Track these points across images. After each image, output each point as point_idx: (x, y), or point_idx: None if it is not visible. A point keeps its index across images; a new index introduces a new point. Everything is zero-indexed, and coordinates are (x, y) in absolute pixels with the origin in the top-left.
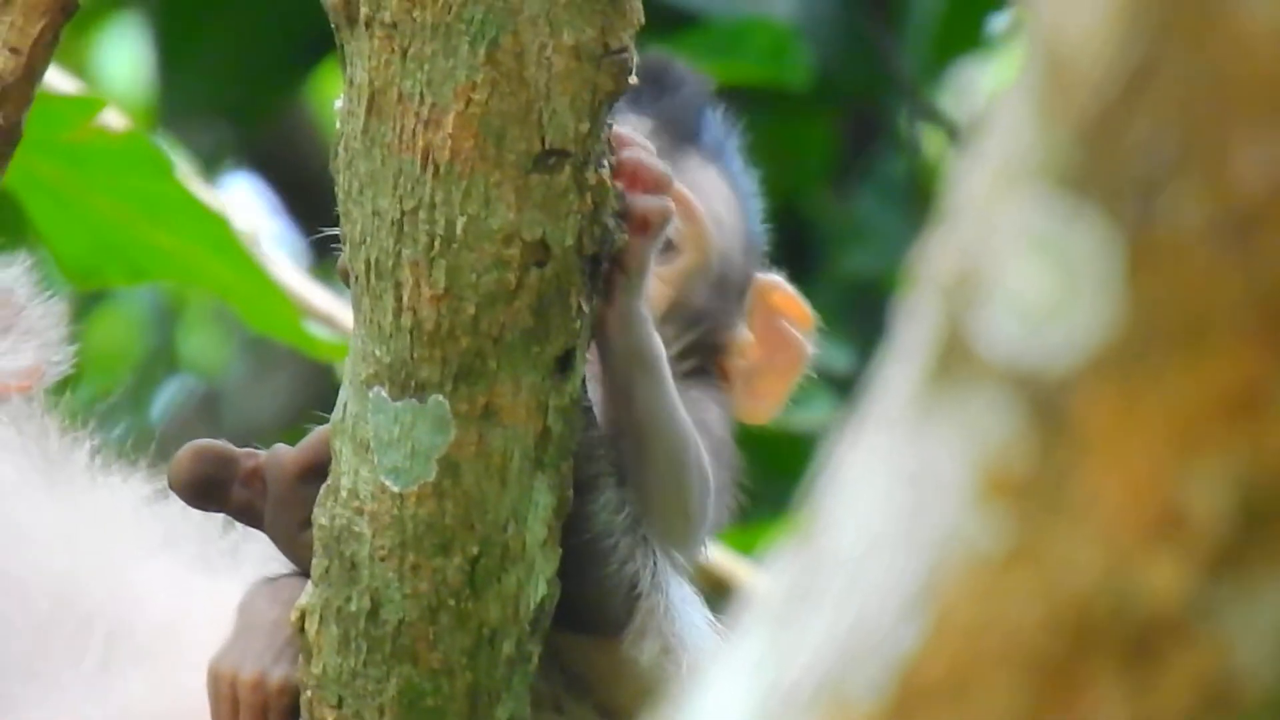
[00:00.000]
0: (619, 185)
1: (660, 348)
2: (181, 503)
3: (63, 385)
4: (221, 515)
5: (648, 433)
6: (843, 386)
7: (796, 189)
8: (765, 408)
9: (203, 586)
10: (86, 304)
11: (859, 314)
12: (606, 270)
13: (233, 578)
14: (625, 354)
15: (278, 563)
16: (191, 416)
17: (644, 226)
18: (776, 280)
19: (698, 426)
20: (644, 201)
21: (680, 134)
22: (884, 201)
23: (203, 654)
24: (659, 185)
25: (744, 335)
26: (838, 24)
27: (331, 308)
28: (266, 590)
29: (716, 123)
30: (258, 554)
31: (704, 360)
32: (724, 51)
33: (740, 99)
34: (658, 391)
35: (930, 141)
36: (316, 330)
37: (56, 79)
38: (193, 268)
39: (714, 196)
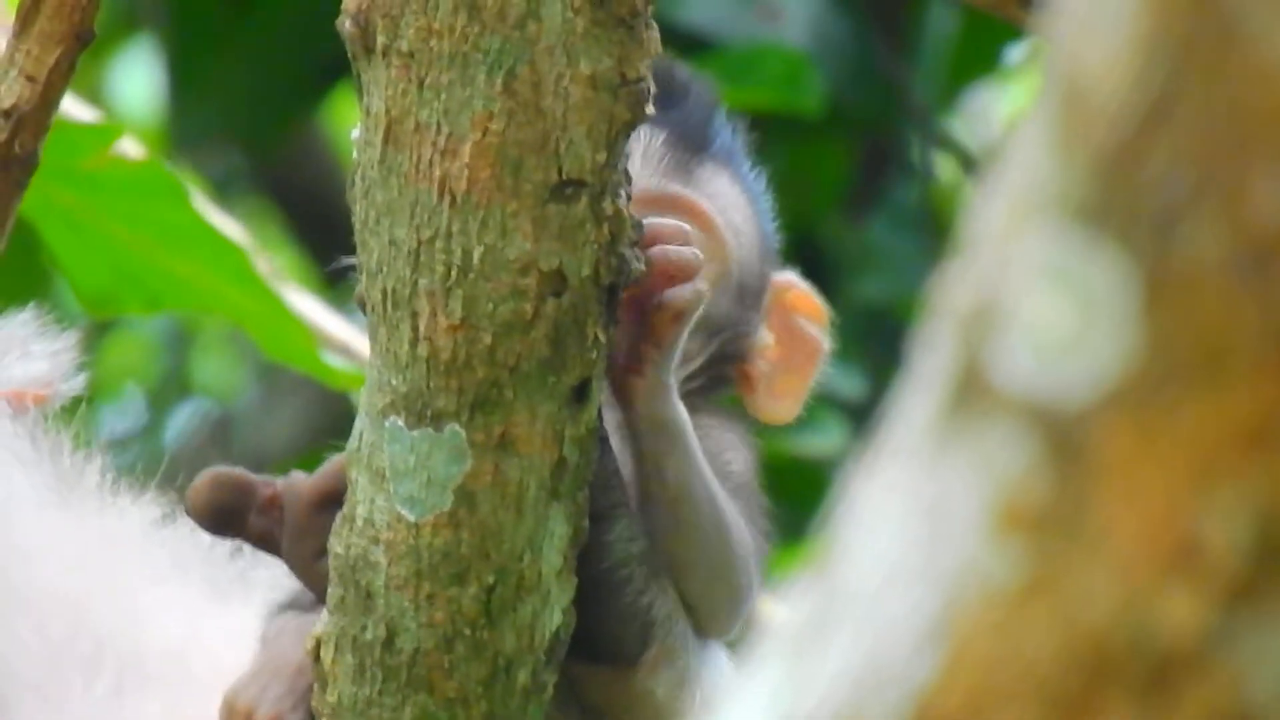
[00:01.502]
0: (636, 215)
1: (686, 418)
2: (189, 526)
3: (76, 406)
4: (230, 541)
5: (683, 509)
6: (855, 413)
7: (810, 215)
8: (786, 407)
9: (212, 613)
10: (101, 327)
11: (872, 340)
12: (639, 346)
13: (242, 605)
14: (653, 426)
15: (287, 590)
16: (204, 441)
17: (678, 316)
18: (791, 278)
19: (722, 476)
20: (677, 293)
21: (692, 144)
22: (897, 228)
23: (212, 682)
24: (691, 273)
25: (764, 338)
26: (851, 50)
27: (347, 335)
28: (293, 626)
29: (725, 127)
30: (267, 580)
31: (726, 368)
32: (737, 78)
33: (753, 125)
34: (687, 465)
35: (944, 168)
36: (333, 359)
37: (71, 105)
38: (210, 296)
39: (729, 204)
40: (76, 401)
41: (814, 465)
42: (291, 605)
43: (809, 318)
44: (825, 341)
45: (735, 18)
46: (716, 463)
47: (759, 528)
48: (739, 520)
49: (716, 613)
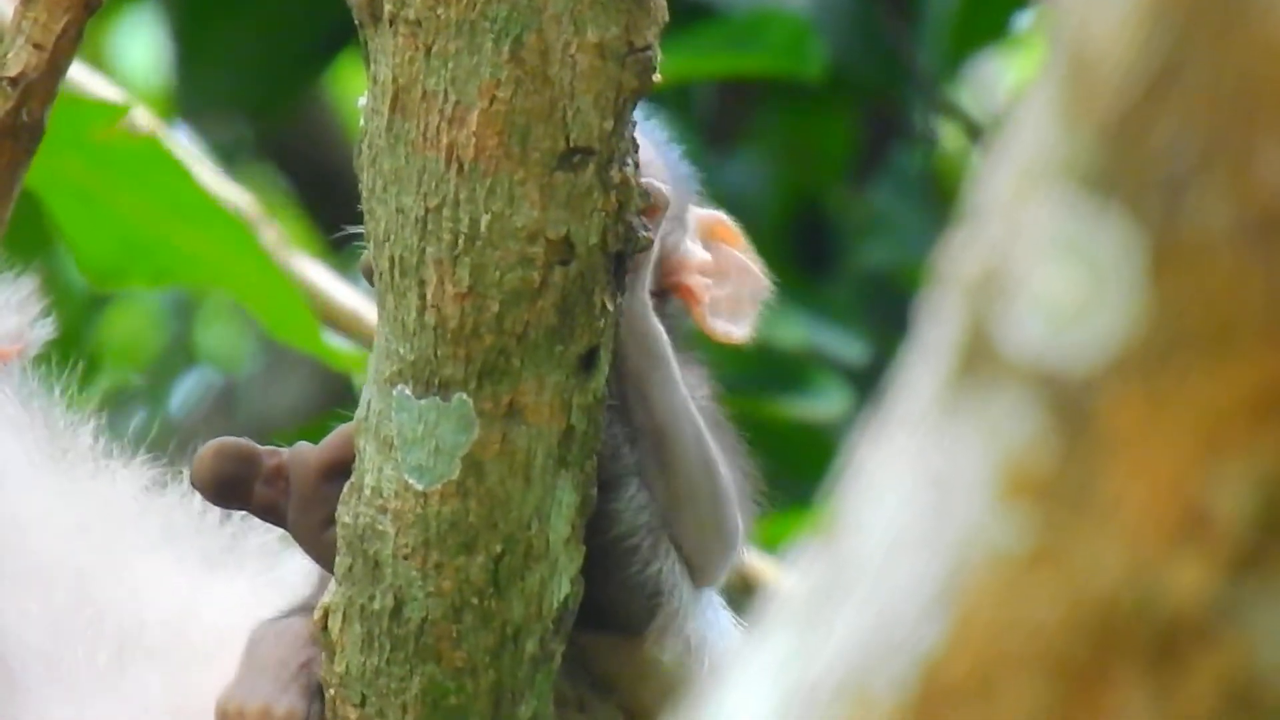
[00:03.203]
0: (644, 183)
1: (664, 335)
2: (180, 493)
3: (79, 374)
4: (230, 510)
5: (669, 440)
6: (858, 379)
7: (813, 182)
8: (738, 328)
9: (207, 581)
10: (106, 295)
11: (875, 307)
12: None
13: (236, 572)
14: (635, 340)
15: (281, 559)
16: (209, 409)
17: (653, 211)
18: (718, 213)
19: (699, 410)
20: (652, 184)
21: None
22: (901, 195)
23: (211, 651)
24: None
25: (696, 252)
26: (854, 17)
27: (355, 304)
28: (271, 631)
29: None
30: (258, 548)
31: (662, 283)
32: (739, 44)
33: (756, 92)
34: (671, 387)
35: (948, 136)
36: (336, 339)
37: (77, 72)
38: (214, 272)
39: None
40: (72, 370)
41: (817, 431)
42: (274, 620)
43: (741, 249)
44: (758, 268)
45: None
46: (692, 395)
47: (741, 467)
48: (722, 457)
49: (707, 554)
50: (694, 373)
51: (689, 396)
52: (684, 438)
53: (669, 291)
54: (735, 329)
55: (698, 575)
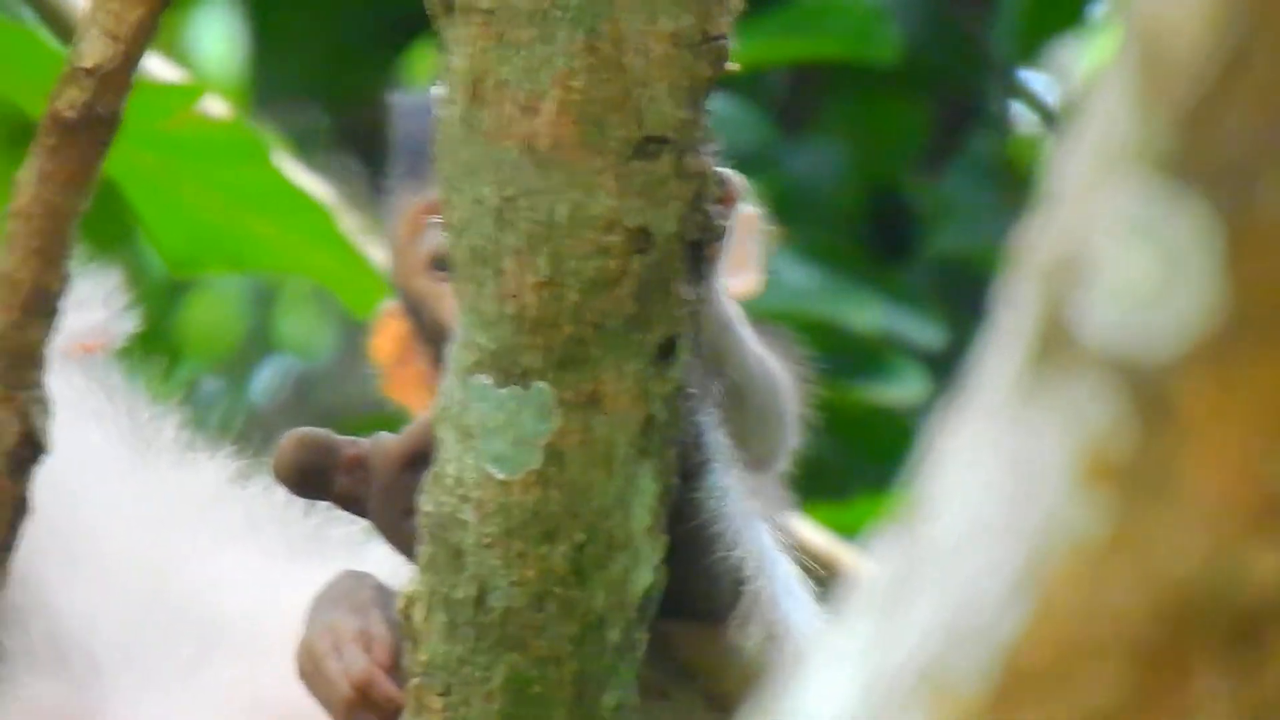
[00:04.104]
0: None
1: (735, 309)
2: (263, 484)
3: (160, 363)
4: (304, 500)
5: (741, 385)
6: (934, 364)
7: (887, 168)
8: (746, 281)
9: (291, 573)
10: (185, 283)
11: (950, 293)
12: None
13: (319, 563)
14: (711, 323)
15: (364, 548)
16: (287, 397)
17: (725, 202)
18: None
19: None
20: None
21: None
22: (975, 180)
23: (294, 642)
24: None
25: None
26: (926, 1)
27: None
28: (328, 585)
29: None
30: (342, 540)
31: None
32: (811, 29)
33: (829, 77)
34: (742, 350)
35: (1022, 120)
36: None
37: (152, 63)
38: (293, 256)
39: None
40: (151, 354)
41: (893, 416)
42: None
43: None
44: (748, 208)
45: None
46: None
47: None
48: (784, 372)
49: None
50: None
51: (759, 351)
52: (760, 383)
53: None
54: (744, 282)
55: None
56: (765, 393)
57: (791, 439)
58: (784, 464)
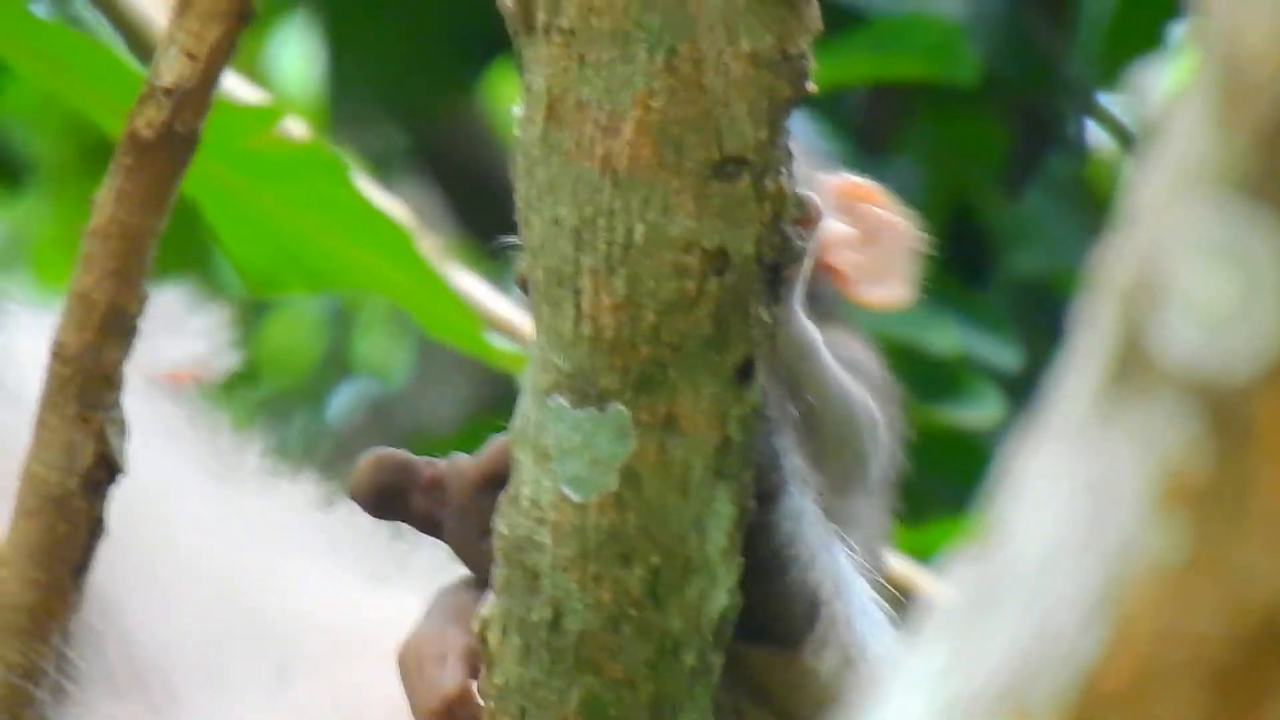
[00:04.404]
0: (798, 193)
1: (816, 333)
2: (347, 508)
3: (238, 385)
4: (392, 523)
5: (818, 411)
6: (1012, 385)
7: (966, 188)
8: (894, 290)
9: (372, 598)
10: (262, 304)
11: (1028, 314)
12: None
13: (402, 589)
14: (788, 350)
15: (448, 574)
16: (365, 419)
17: (805, 225)
18: (850, 176)
19: (850, 366)
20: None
21: None
22: (1053, 201)
23: (375, 667)
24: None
25: (837, 228)
26: (1006, 21)
27: (510, 314)
28: (452, 583)
29: None
30: (427, 564)
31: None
32: (889, 48)
33: (907, 96)
34: (822, 374)
35: (1101, 142)
36: (496, 339)
37: (230, 82)
38: (371, 275)
39: None
40: (235, 379)
41: (971, 437)
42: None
43: (877, 204)
44: (904, 222)
45: None
46: (841, 352)
47: (888, 400)
48: (867, 399)
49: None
50: (856, 345)
51: (838, 371)
52: (836, 410)
53: (819, 278)
54: (890, 291)
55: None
56: (843, 419)
57: (874, 466)
58: (874, 489)
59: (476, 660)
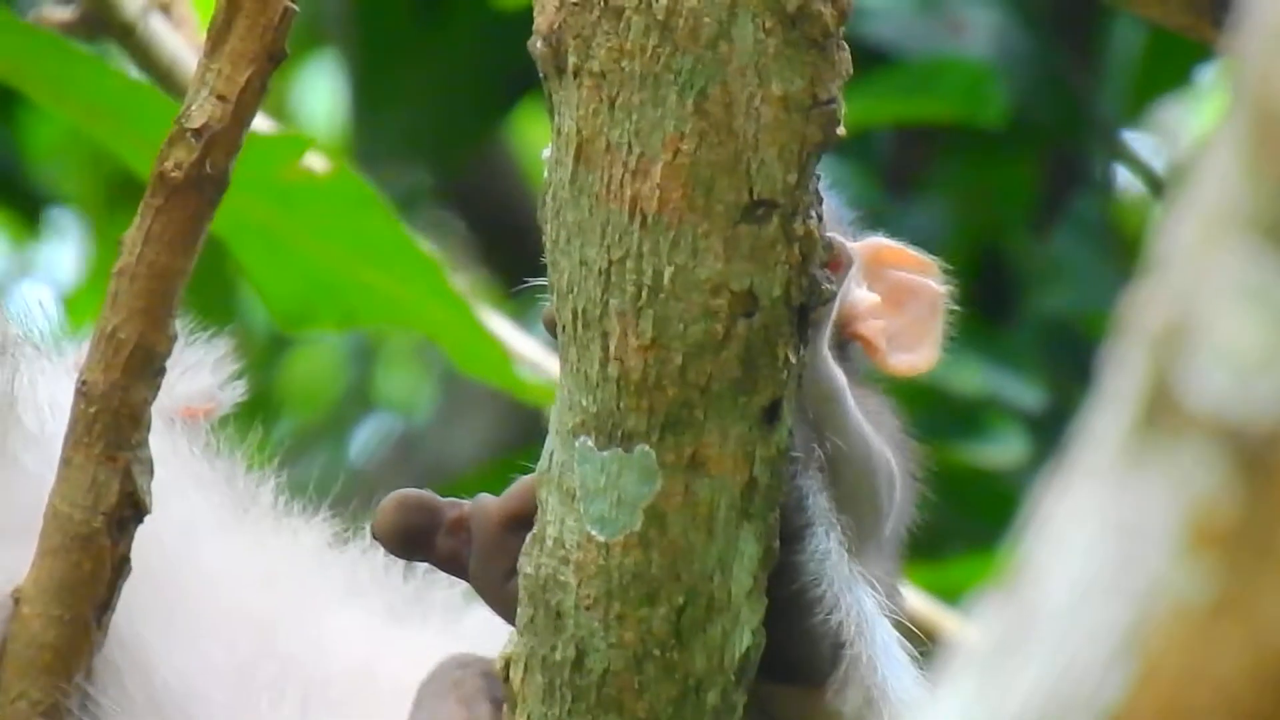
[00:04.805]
0: (828, 237)
1: (842, 378)
2: (363, 546)
3: (260, 420)
4: (412, 562)
5: (840, 455)
6: (1036, 425)
7: (994, 227)
8: (922, 356)
9: (391, 635)
10: (286, 341)
11: (1053, 354)
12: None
13: (421, 626)
14: (814, 392)
15: (465, 612)
16: (388, 455)
17: (834, 268)
18: (878, 239)
19: (872, 419)
20: (838, 240)
21: None
22: (1081, 242)
23: (396, 705)
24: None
25: (864, 297)
26: (1035, 62)
27: (536, 354)
28: (437, 669)
29: None
30: (443, 602)
31: (839, 334)
32: (918, 90)
33: (936, 138)
34: (845, 419)
35: (1128, 183)
36: (527, 375)
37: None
38: (404, 310)
39: None
40: (257, 414)
41: (994, 477)
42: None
43: (910, 269)
44: (935, 285)
45: (919, 31)
46: (862, 406)
47: (905, 454)
48: (886, 450)
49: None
50: (877, 402)
51: (861, 419)
52: (855, 450)
53: (846, 340)
54: (919, 358)
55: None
56: (863, 466)
57: (887, 519)
58: (885, 543)
59: None
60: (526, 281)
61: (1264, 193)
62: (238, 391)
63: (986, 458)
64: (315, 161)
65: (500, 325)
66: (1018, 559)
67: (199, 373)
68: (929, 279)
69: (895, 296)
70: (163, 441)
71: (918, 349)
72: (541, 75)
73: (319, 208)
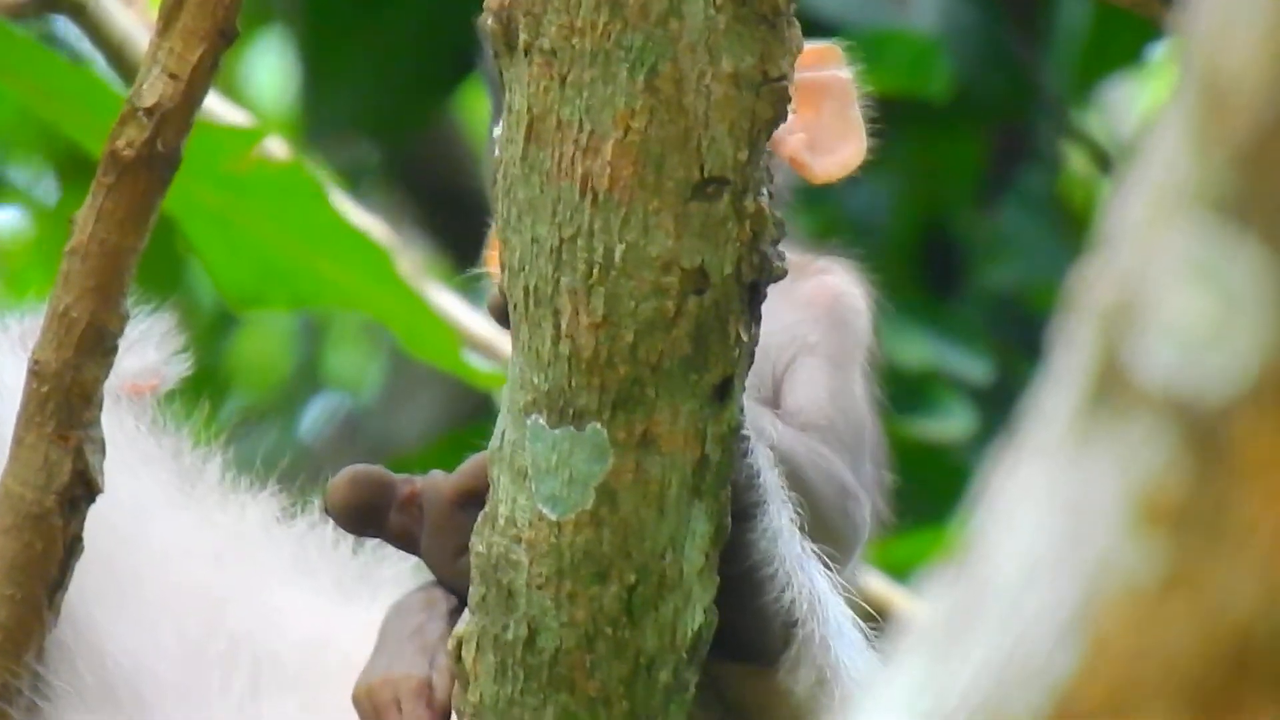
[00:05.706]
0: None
1: (771, 434)
2: (310, 522)
3: (207, 396)
4: (363, 538)
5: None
6: (982, 398)
7: (940, 201)
8: (849, 153)
9: (340, 610)
10: (234, 319)
11: (1000, 328)
12: None
13: (369, 601)
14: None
15: (412, 588)
16: (335, 433)
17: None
18: None
19: (845, 414)
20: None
21: None
22: (1027, 216)
23: (346, 678)
24: None
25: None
26: (981, 36)
27: (485, 331)
28: (403, 603)
29: None
30: (391, 578)
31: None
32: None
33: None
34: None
35: (1075, 158)
36: (474, 357)
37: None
38: (352, 294)
39: None
40: (205, 392)
41: (940, 450)
42: (408, 595)
43: (816, 64)
44: (844, 73)
45: (863, 3)
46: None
47: (874, 461)
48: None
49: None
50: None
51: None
52: (798, 459)
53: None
54: (846, 154)
55: (831, 562)
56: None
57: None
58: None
59: (430, 694)
60: (474, 261)
61: (1212, 168)
62: (183, 367)
63: (934, 431)
64: (272, 145)
65: (448, 300)
66: (967, 536)
67: (144, 348)
68: (833, 68)
69: (806, 98)
70: (109, 418)
71: (842, 146)
72: (492, 53)
73: (269, 194)
